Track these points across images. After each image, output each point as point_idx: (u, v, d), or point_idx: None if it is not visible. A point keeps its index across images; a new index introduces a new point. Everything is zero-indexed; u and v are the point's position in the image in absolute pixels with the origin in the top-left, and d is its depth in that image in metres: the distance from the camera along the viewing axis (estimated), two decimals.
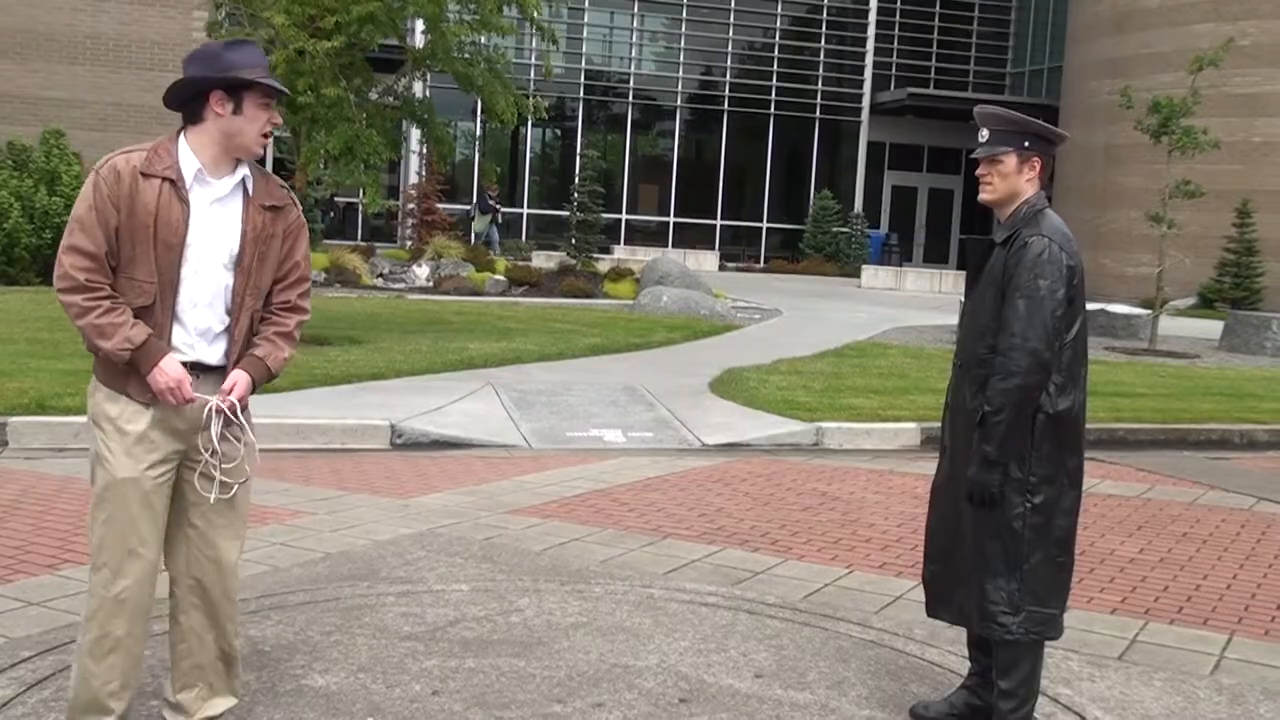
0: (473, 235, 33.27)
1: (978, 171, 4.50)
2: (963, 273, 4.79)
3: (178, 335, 3.90)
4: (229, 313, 3.98)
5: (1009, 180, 4.43)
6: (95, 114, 22.50)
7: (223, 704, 4.22)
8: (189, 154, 3.89)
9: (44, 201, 21.01)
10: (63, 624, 5.36)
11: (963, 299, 4.71)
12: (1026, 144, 4.43)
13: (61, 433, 9.43)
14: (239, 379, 3.94)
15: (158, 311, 3.85)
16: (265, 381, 4.04)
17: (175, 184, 3.83)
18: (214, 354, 3.97)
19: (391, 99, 15.59)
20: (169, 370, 3.79)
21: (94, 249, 3.76)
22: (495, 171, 24.05)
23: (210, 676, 4.17)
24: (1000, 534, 4.31)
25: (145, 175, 3.81)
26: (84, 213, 3.77)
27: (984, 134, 4.47)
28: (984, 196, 4.51)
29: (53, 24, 22.31)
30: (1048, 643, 4.50)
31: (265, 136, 3.94)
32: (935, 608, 4.70)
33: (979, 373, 4.34)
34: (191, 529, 4.04)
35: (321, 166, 15.51)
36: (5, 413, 9.62)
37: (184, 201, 3.84)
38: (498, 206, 33.72)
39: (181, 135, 3.93)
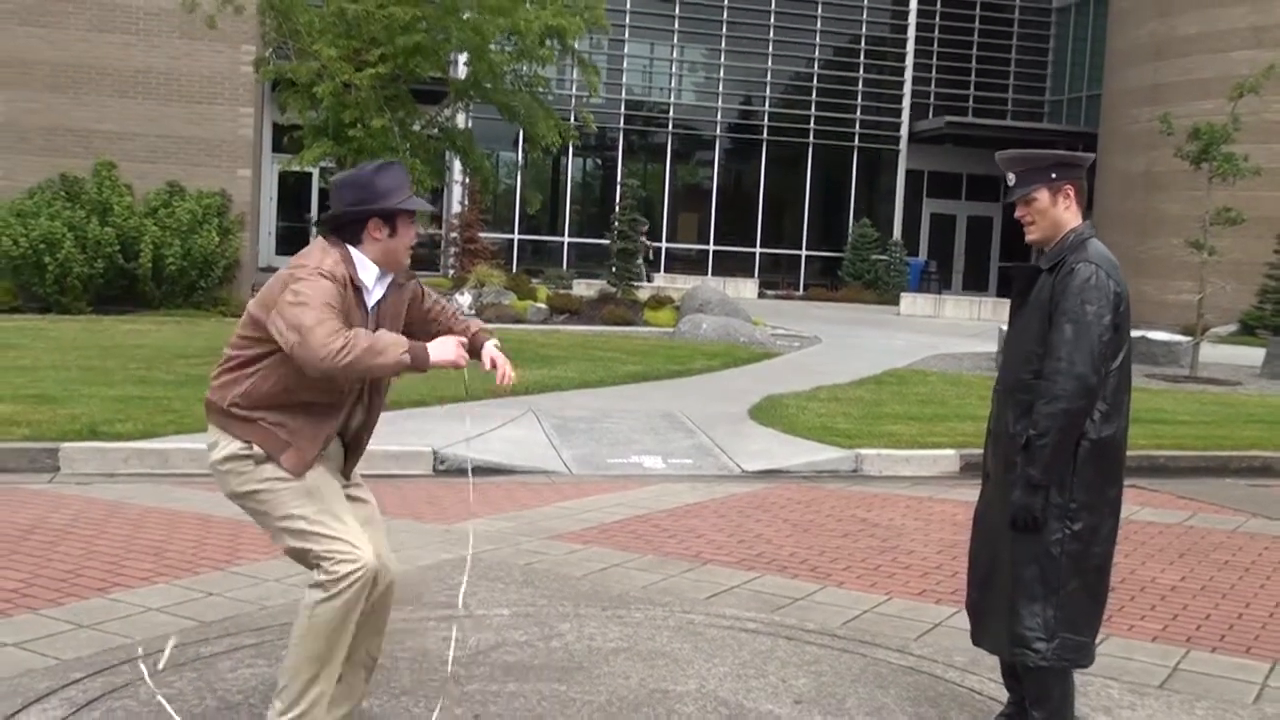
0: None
1: (1016, 214, 4.50)
2: (1003, 299, 4.80)
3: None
4: None
5: (1048, 215, 4.43)
6: (145, 146, 22.70)
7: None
8: (367, 266, 4.15)
9: (96, 232, 21.23)
10: (113, 646, 5.40)
11: (1005, 326, 4.70)
12: (1054, 175, 4.42)
13: (112, 458, 9.51)
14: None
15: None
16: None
17: (359, 290, 4.14)
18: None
19: (435, 130, 15.70)
20: (446, 349, 4.12)
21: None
22: (538, 199, 24.16)
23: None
24: (1038, 559, 4.29)
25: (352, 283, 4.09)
26: (321, 303, 3.92)
27: (1010, 178, 4.47)
28: (1030, 238, 4.50)
29: (105, 59, 22.55)
30: (1087, 671, 4.47)
31: (411, 248, 4.25)
32: (978, 636, 4.67)
33: (1022, 398, 4.32)
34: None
35: None
36: (57, 438, 9.71)
37: (364, 307, 4.15)
38: (647, 244, 34.10)
39: (352, 250, 4.14)
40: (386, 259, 4.16)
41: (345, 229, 4.12)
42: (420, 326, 4.45)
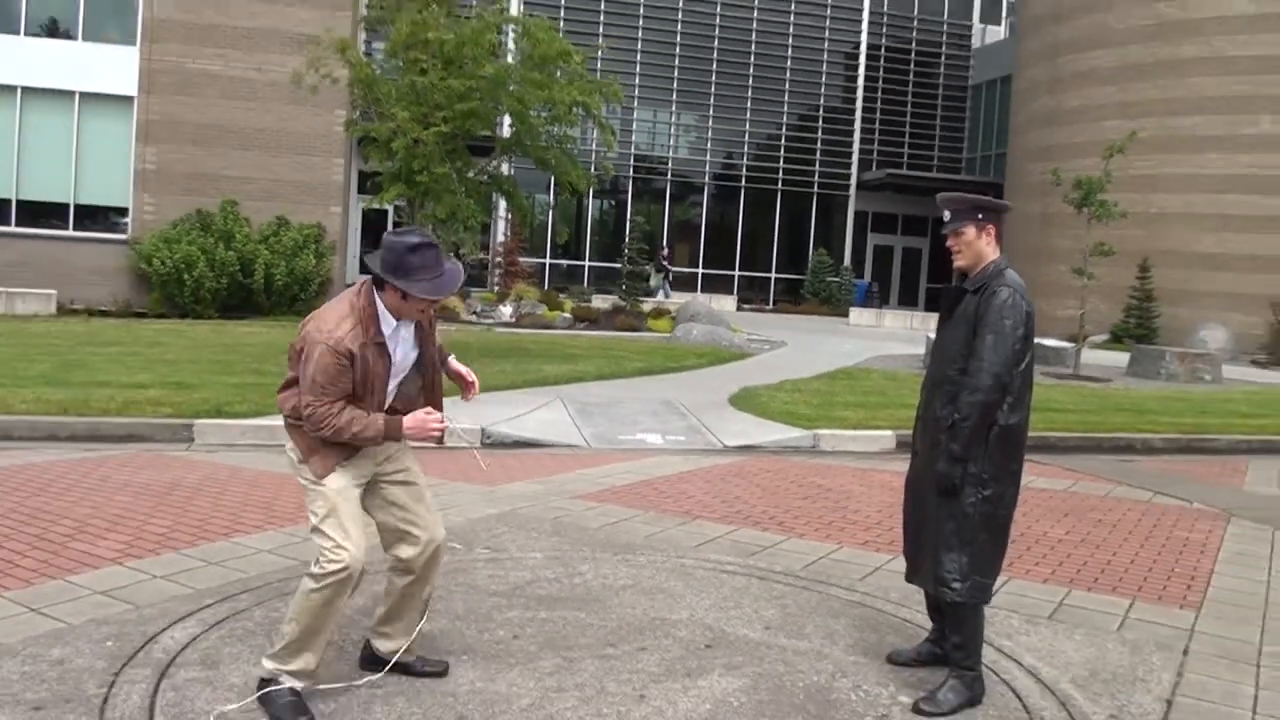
0: (652, 290, 34.11)
1: (947, 244, 4.49)
2: (931, 313, 4.82)
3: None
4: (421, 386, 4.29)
5: (972, 247, 4.43)
6: (260, 188, 22.71)
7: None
8: (386, 316, 3.98)
9: (222, 255, 21.30)
10: (234, 579, 5.43)
11: (932, 334, 4.71)
12: (980, 216, 4.43)
13: (233, 431, 9.54)
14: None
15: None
16: None
17: (381, 345, 3.98)
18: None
19: (485, 177, 15.70)
20: (417, 426, 4.01)
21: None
22: (566, 231, 24.15)
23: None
24: (956, 517, 4.31)
25: (363, 346, 3.92)
26: (324, 382, 3.87)
27: (946, 214, 4.48)
28: (957, 264, 4.50)
29: (232, 120, 22.57)
30: (993, 605, 4.48)
31: (423, 313, 4.06)
32: (911, 575, 4.70)
33: (948, 389, 4.34)
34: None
35: (430, 228, 15.61)
36: (192, 416, 9.75)
37: (387, 355, 4.01)
38: (668, 266, 35.30)
39: (377, 296, 3.99)
40: (398, 313, 3.97)
41: (376, 277, 3.99)
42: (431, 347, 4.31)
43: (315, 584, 3.86)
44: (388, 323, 3.99)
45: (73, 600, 5.00)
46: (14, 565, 5.50)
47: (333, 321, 3.90)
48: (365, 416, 3.92)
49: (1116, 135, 21.95)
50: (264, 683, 3.93)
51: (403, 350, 4.09)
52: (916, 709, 4.24)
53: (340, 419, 3.88)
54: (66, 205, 22.48)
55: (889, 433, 11.08)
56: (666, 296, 32.83)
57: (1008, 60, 37.61)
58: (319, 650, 3.93)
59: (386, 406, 4.12)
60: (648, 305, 27.83)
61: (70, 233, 22.38)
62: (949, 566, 4.32)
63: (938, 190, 4.67)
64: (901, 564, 4.89)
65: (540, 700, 4.12)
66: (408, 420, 3.99)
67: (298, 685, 3.89)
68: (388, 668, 4.24)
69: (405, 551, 4.14)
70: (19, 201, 22.31)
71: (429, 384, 4.28)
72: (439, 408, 4.25)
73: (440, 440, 4.08)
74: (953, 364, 4.35)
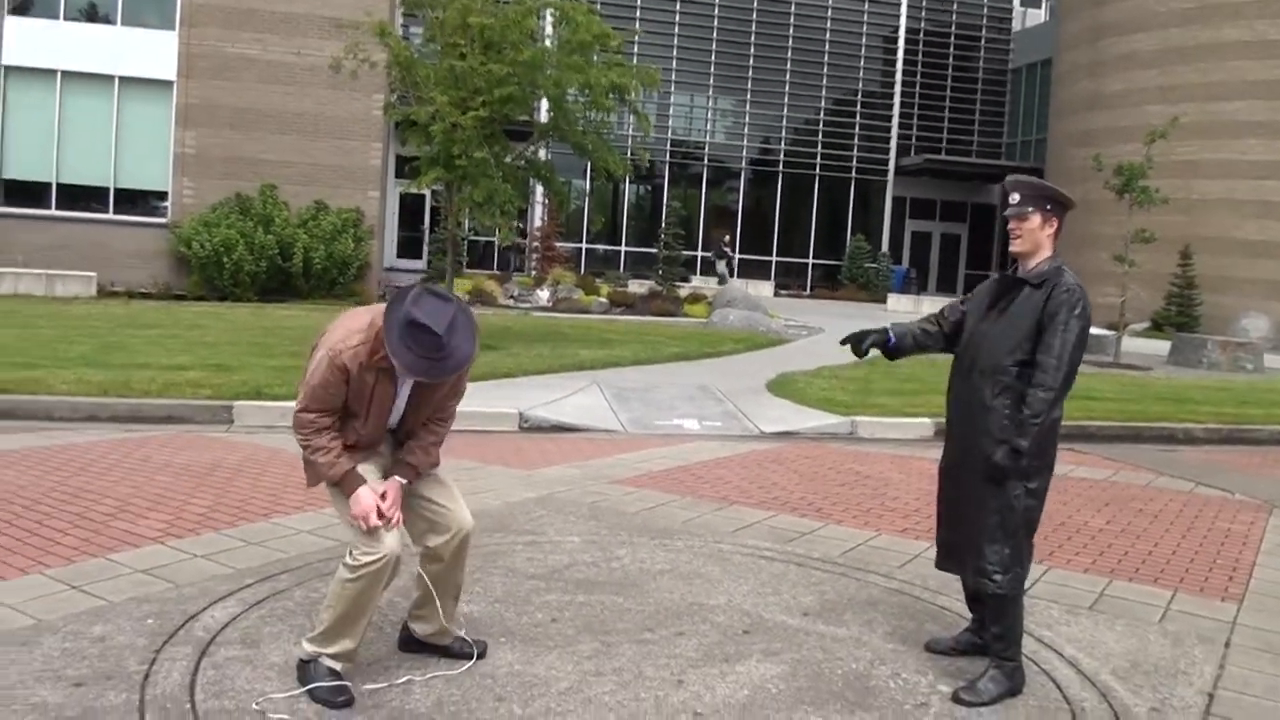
0: (717, 277, 34.31)
1: (1009, 226, 4.42)
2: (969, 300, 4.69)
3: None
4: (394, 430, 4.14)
5: (1034, 235, 4.37)
6: (299, 172, 22.83)
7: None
8: None
9: (261, 239, 21.44)
10: (274, 559, 5.46)
11: (969, 317, 4.60)
12: (1049, 206, 4.37)
13: (273, 413, 9.59)
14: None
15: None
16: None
17: (388, 371, 3.87)
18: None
19: (522, 162, 15.70)
20: (361, 504, 3.87)
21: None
22: (601, 219, 24.14)
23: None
24: (1001, 510, 4.26)
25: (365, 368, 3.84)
26: (315, 387, 3.85)
27: (1015, 197, 4.41)
28: (1014, 248, 4.43)
29: (270, 104, 22.69)
30: (1033, 595, 4.44)
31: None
32: (945, 563, 4.65)
33: (1003, 380, 4.27)
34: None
35: (466, 212, 15.63)
36: (232, 398, 9.81)
37: (393, 382, 3.92)
38: (729, 253, 35.46)
39: None
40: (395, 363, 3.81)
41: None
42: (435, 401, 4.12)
43: (350, 574, 3.86)
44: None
45: (113, 578, 5.05)
46: (55, 544, 5.56)
47: (345, 332, 3.85)
48: (334, 452, 3.87)
49: (1158, 120, 21.69)
50: (303, 664, 3.95)
51: (410, 386, 3.99)
52: (956, 698, 4.20)
53: (315, 438, 3.87)
54: (106, 189, 22.70)
55: (927, 420, 11.00)
56: (726, 281, 32.91)
57: (1048, 43, 37.19)
58: (358, 635, 3.94)
59: (392, 428, 4.09)
60: (684, 290, 27.78)
61: (110, 216, 22.60)
62: (991, 559, 4.27)
63: (976, 176, 4.63)
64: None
65: (578, 684, 4.13)
66: (361, 493, 3.86)
67: (337, 667, 3.91)
68: (426, 650, 4.25)
69: (434, 540, 4.11)
70: (59, 185, 22.55)
71: (411, 429, 4.12)
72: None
73: (375, 529, 3.87)
74: (1010, 355, 4.27)
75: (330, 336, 3.88)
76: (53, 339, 13.08)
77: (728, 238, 34.12)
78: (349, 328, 3.87)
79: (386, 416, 4.00)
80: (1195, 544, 6.99)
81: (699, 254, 38.02)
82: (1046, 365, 4.16)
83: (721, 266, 35.07)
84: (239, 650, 4.26)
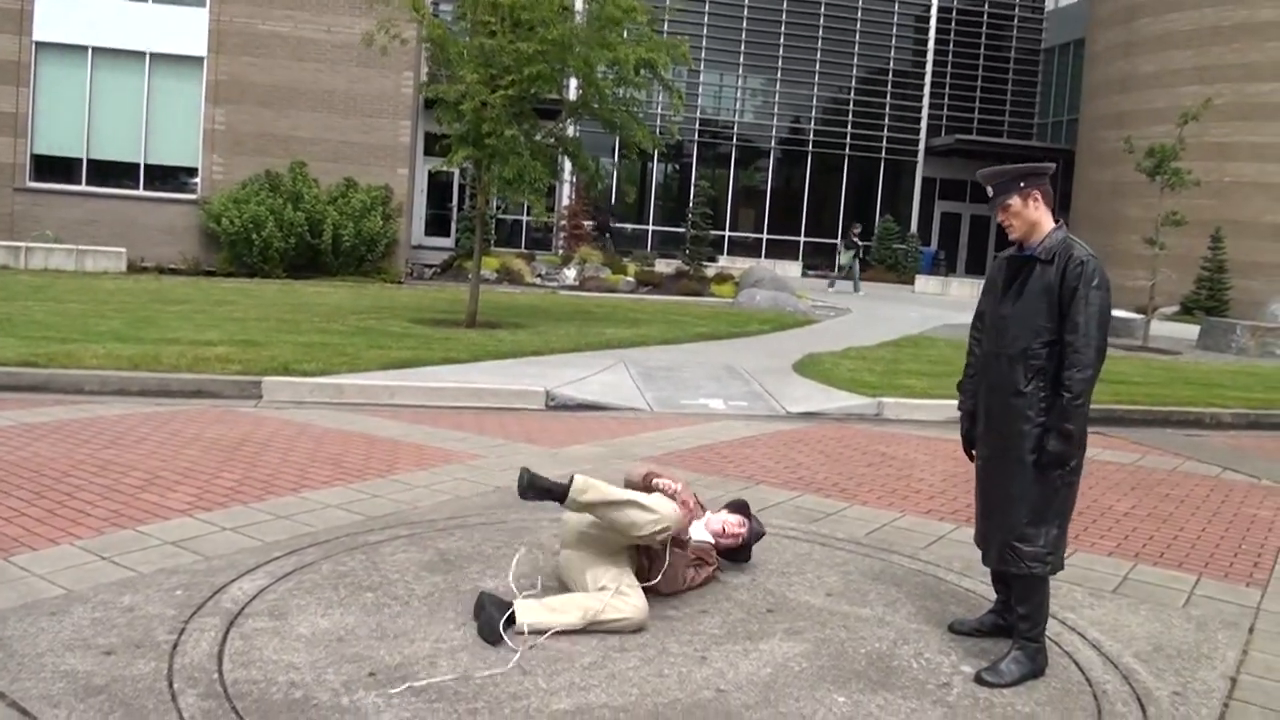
0: (836, 268, 31.42)
1: (998, 219, 4.41)
2: None
3: None
4: None
5: (1022, 216, 4.34)
6: (328, 149, 22.88)
7: None
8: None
9: (290, 215, 21.53)
10: (301, 533, 5.51)
11: (988, 302, 4.57)
12: (1022, 184, 4.33)
13: (301, 389, 9.67)
14: None
15: None
16: None
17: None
18: None
19: (551, 139, 15.69)
20: None
21: None
22: (632, 190, 23.96)
23: None
24: (1046, 493, 4.24)
25: None
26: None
27: (989, 190, 4.39)
28: (1013, 236, 4.41)
29: (301, 82, 22.74)
30: (1058, 578, 4.41)
31: None
32: (988, 557, 4.58)
33: (1034, 363, 4.22)
34: None
35: (495, 190, 15.64)
36: (260, 373, 9.88)
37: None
38: (858, 243, 31.07)
39: None
40: None
41: None
42: None
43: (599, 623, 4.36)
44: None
45: (142, 550, 5.11)
46: (86, 515, 5.63)
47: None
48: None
49: (1191, 101, 21.45)
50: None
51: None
52: (979, 679, 4.20)
53: None
54: (136, 165, 22.82)
55: (954, 402, 10.92)
56: (857, 283, 29.87)
57: (1081, 23, 36.78)
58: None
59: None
60: (711, 270, 27.72)
61: (140, 192, 22.72)
62: (1041, 541, 4.24)
63: (1007, 157, 4.58)
64: (965, 533, 4.83)
65: (602, 659, 4.15)
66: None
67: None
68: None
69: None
70: (89, 161, 22.69)
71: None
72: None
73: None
74: (1036, 337, 4.22)
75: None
76: (83, 314, 13.20)
77: (859, 228, 31.66)
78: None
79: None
80: (1221, 529, 6.94)
81: (726, 234, 37.89)
82: (1077, 345, 4.12)
83: (847, 258, 30.78)
84: (266, 622, 4.30)
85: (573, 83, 16.02)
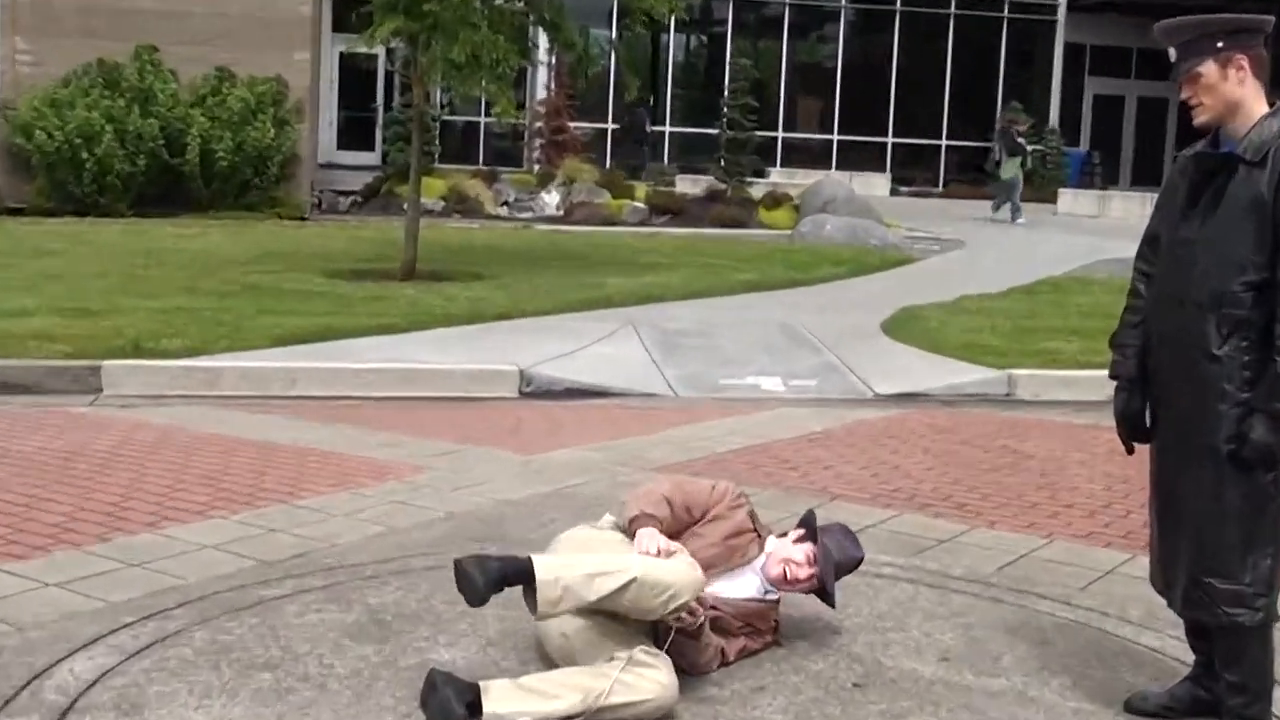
0: (1010, 189, 29.69)
1: (1182, 95, 4.31)
2: None
3: None
4: None
5: (1218, 92, 4.23)
6: (191, 28, 22.63)
7: None
8: None
9: (137, 124, 21.52)
10: (164, 587, 5.48)
11: (1163, 226, 4.49)
12: (1220, 45, 4.22)
13: (159, 377, 9.64)
14: None
15: None
16: None
17: None
18: None
19: (520, 3, 15.61)
20: None
21: None
22: (636, 83, 23.82)
23: None
24: (1252, 503, 4.15)
25: None
26: None
27: (1172, 53, 4.29)
28: (1198, 120, 4.30)
29: None
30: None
31: None
32: (1162, 585, 4.54)
33: (1234, 313, 4.12)
34: None
35: (439, 79, 15.58)
36: (99, 356, 9.84)
37: None
38: (1024, 146, 30.05)
39: None
40: None
41: None
42: None
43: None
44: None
45: None
46: None
47: None
48: None
49: None
50: None
51: None
52: None
53: None
54: None
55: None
56: (1017, 207, 28.80)
57: None
58: None
59: None
60: (758, 189, 27.65)
61: None
62: (1251, 576, 4.16)
63: (1195, 9, 4.49)
64: (1142, 566, 4.78)
65: None
66: None
67: None
68: None
69: None
70: None
71: None
72: None
73: None
74: (1238, 275, 4.12)
75: None
76: None
77: (1022, 125, 30.34)
78: None
79: None
80: None
81: (778, 135, 37.82)
82: None
83: (1012, 169, 29.52)
84: (112, 719, 4.27)
85: None
